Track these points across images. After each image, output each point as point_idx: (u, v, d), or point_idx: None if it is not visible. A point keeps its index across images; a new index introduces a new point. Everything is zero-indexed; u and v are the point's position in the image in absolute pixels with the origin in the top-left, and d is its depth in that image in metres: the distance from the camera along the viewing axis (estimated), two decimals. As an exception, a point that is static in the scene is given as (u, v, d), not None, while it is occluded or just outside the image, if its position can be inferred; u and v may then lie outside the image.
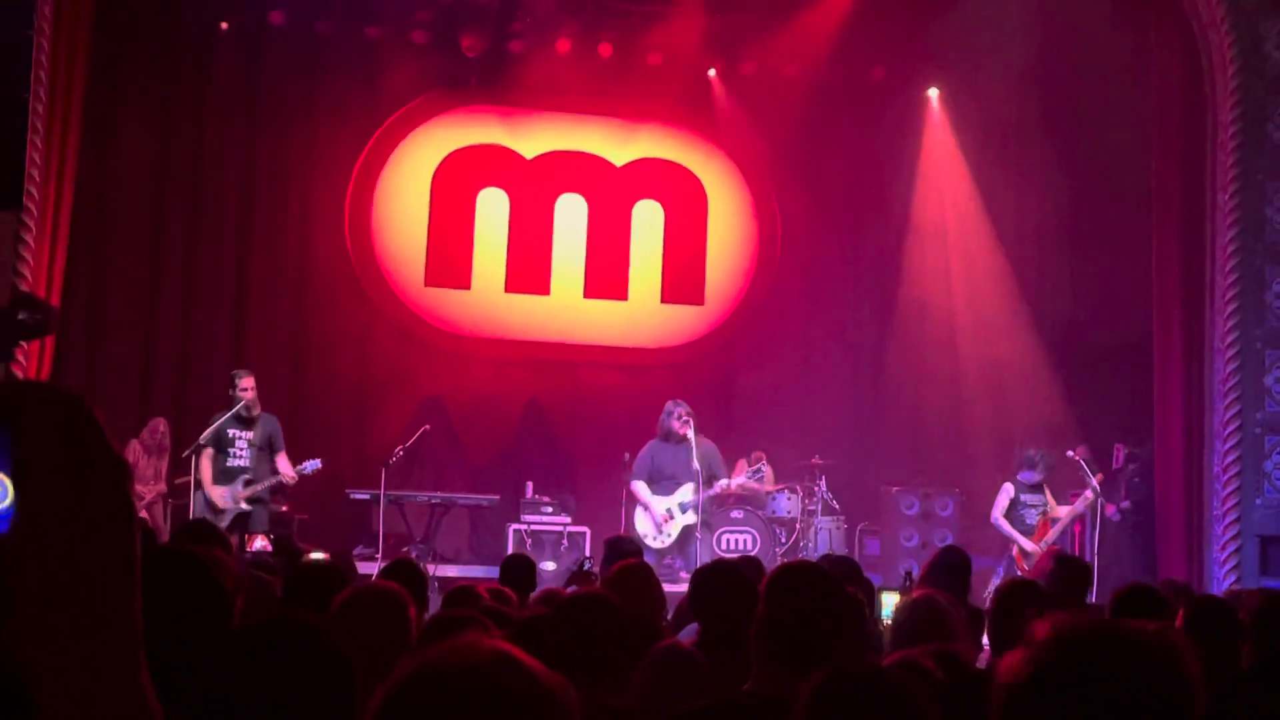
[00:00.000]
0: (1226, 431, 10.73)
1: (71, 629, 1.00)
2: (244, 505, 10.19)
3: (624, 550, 6.78)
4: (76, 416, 1.04)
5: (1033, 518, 11.22)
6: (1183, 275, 11.43)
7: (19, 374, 9.65)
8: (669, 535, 10.78)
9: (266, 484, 10.17)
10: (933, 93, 13.85)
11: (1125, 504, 11.82)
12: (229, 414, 10.18)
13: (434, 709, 1.29)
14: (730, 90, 13.95)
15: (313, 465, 10.17)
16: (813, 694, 2.31)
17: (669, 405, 10.86)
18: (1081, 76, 12.77)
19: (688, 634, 5.37)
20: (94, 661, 1.00)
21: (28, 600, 0.99)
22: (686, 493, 10.70)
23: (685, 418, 10.70)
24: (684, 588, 6.61)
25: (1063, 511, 11.24)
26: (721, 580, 4.53)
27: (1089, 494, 11.13)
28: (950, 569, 6.43)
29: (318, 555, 6.16)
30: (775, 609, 3.35)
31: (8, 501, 1.03)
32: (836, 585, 3.49)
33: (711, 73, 13.92)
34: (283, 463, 10.24)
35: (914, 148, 13.76)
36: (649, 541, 10.75)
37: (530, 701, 1.30)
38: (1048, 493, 11.31)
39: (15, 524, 1.01)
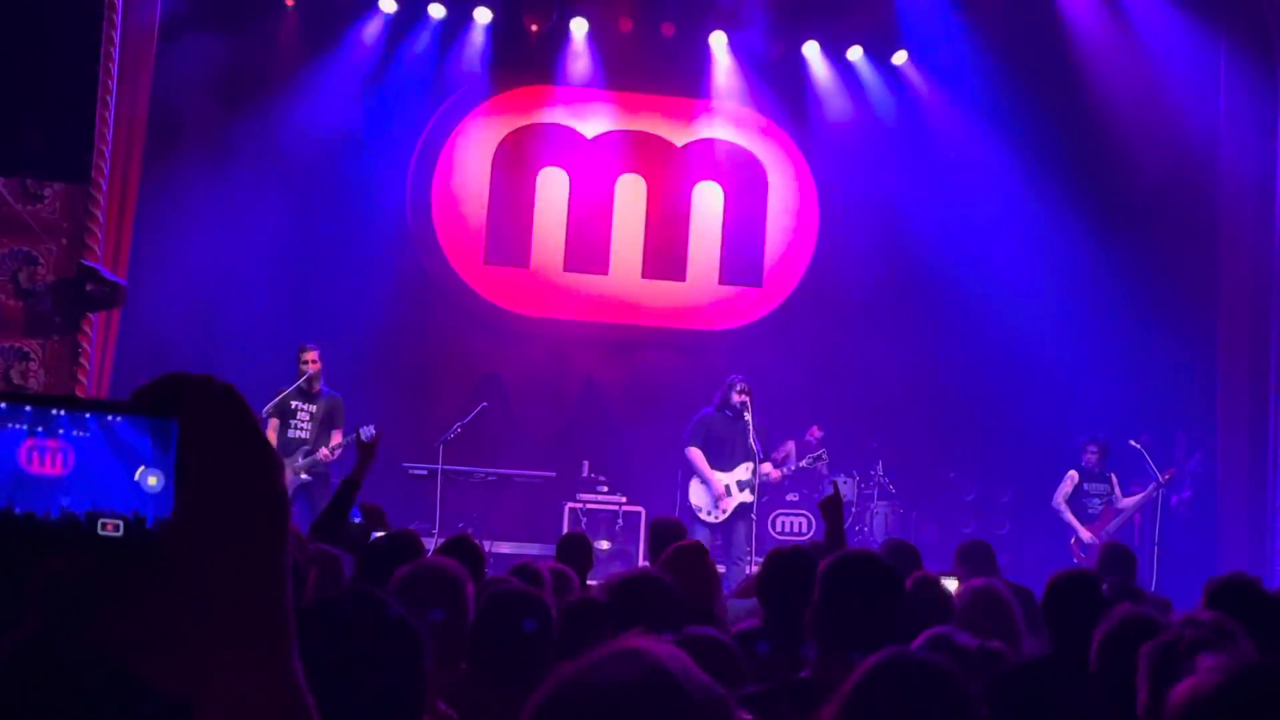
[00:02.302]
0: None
1: (227, 623, 1.01)
2: (304, 476, 10.34)
3: (670, 533, 6.78)
4: (233, 408, 1.06)
5: (1095, 507, 11.13)
6: (1251, 263, 11.29)
7: (85, 344, 9.79)
8: (725, 511, 10.76)
9: (313, 458, 10.31)
10: (991, 78, 13.71)
11: (1186, 494, 11.70)
12: (294, 386, 10.37)
13: (601, 707, 1.28)
14: (793, 71, 13.89)
15: (368, 433, 10.20)
16: (862, 678, 2.31)
17: (730, 379, 10.85)
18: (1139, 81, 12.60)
19: (738, 608, 5.37)
20: (249, 656, 1.01)
21: (183, 592, 1.01)
22: (744, 471, 10.68)
23: (744, 393, 10.67)
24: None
25: (1126, 503, 11.13)
26: (789, 566, 4.52)
27: (1152, 485, 11.02)
28: (979, 558, 6.42)
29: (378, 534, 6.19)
30: (830, 596, 3.35)
31: (160, 488, 1.05)
32: (891, 573, 3.48)
33: (775, 54, 13.86)
34: (333, 439, 10.37)
35: (976, 133, 13.62)
36: (703, 516, 10.73)
37: (696, 704, 1.29)
38: (1114, 482, 11.21)
39: (175, 513, 1.03)
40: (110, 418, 1.05)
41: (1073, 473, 11.24)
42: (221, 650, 1.00)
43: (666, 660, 1.33)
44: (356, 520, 6.97)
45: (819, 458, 11.42)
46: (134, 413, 1.05)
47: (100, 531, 1.03)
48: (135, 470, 1.04)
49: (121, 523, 1.03)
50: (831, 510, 5.93)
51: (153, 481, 1.04)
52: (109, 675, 1.01)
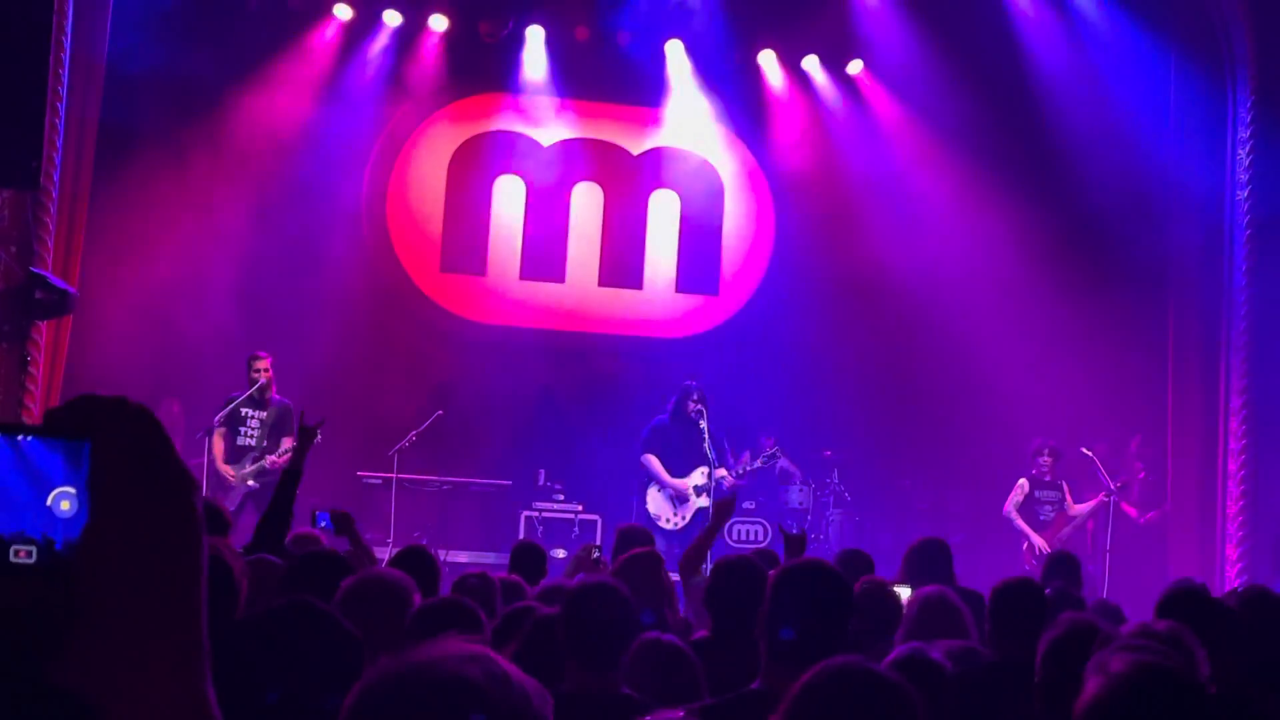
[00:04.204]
0: (1242, 430, 10.72)
1: (137, 643, 1.00)
2: (251, 483, 10.27)
3: (635, 539, 6.77)
4: (148, 430, 1.05)
5: (1047, 514, 11.21)
6: (1201, 270, 11.43)
7: (35, 352, 9.69)
8: (684, 518, 10.74)
9: (261, 464, 10.23)
10: (945, 87, 13.79)
11: (1133, 512, 11.81)
12: (244, 395, 10.32)
13: (402, 712, 1.30)
14: (749, 80, 13.92)
15: (309, 417, 10.10)
16: (803, 690, 2.30)
17: (684, 385, 10.84)
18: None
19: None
20: (158, 675, 1.01)
21: (94, 612, 1.00)
22: (700, 476, 10.67)
23: (699, 400, 10.67)
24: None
25: (1078, 508, 11.22)
26: (736, 575, 4.52)
27: (1104, 493, 11.11)
28: (932, 558, 6.42)
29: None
30: (780, 607, 3.34)
31: (73, 512, 1.03)
32: (842, 582, 3.47)
33: (731, 63, 13.88)
34: (283, 445, 10.32)
35: (931, 142, 13.70)
36: (662, 524, 10.70)
37: (499, 707, 1.31)
38: (1065, 489, 11.29)
39: (84, 536, 1.02)
40: (21, 438, 1.04)
41: (1023, 481, 11.32)
42: (132, 669, 0.99)
43: (481, 651, 1.36)
44: (325, 526, 6.89)
45: (773, 455, 11.38)
46: (45, 434, 1.04)
47: (13, 559, 1.02)
48: (48, 494, 1.03)
49: (34, 549, 1.02)
50: (794, 549, 6.10)
51: (65, 506, 1.03)
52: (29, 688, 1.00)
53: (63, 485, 1.03)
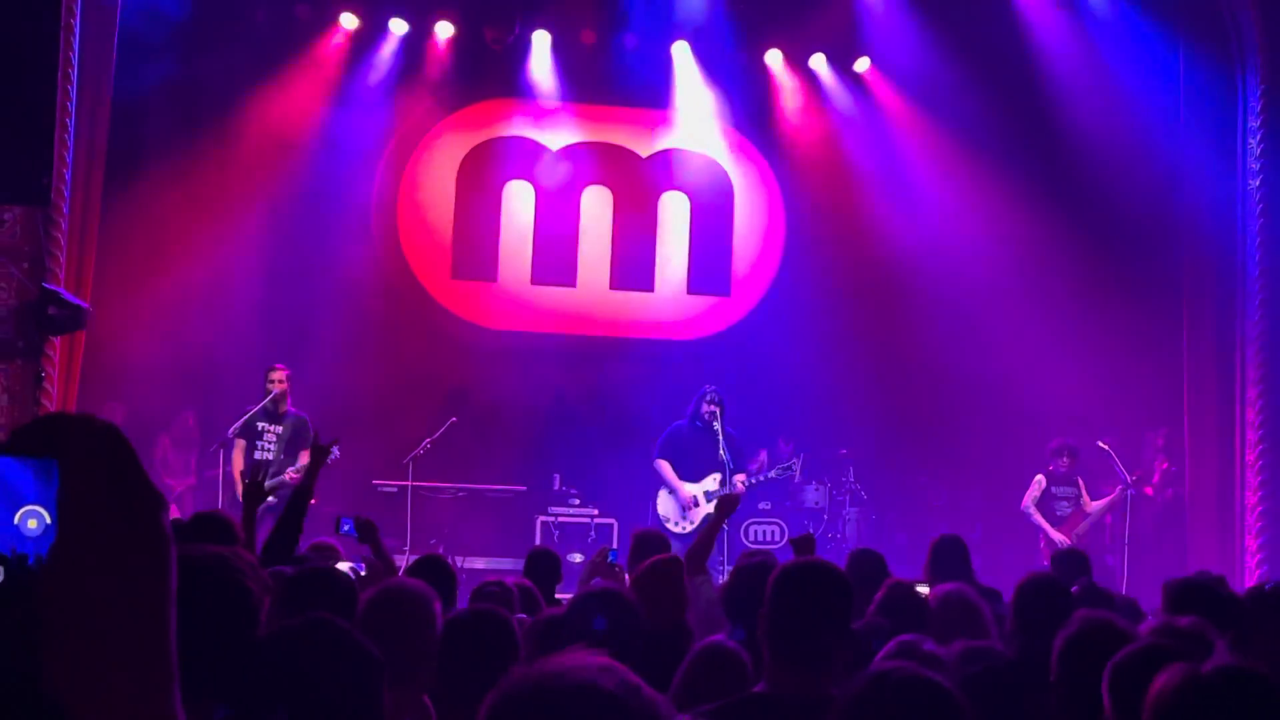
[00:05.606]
0: (1259, 421, 10.69)
1: (106, 658, 1.01)
2: (270, 499, 10.23)
3: (651, 544, 6.72)
4: (116, 449, 1.05)
5: (1064, 509, 11.18)
6: (1215, 261, 11.39)
7: (49, 367, 9.71)
8: (692, 522, 10.71)
9: (280, 479, 10.17)
10: (952, 83, 13.75)
11: (1149, 491, 11.77)
12: (259, 406, 10.28)
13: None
14: (757, 80, 13.90)
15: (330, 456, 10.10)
16: (853, 698, 2.29)
17: (702, 389, 10.80)
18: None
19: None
20: (127, 691, 1.01)
21: (63, 629, 1.00)
22: (712, 482, 10.64)
23: (713, 403, 10.62)
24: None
25: (1094, 505, 11.19)
26: (755, 578, 4.50)
27: (1121, 486, 11.08)
28: (951, 555, 6.40)
29: (345, 565, 6.05)
30: (780, 607, 3.29)
31: (40, 530, 1.04)
32: (843, 581, 3.41)
33: (738, 63, 13.87)
34: (300, 460, 10.26)
35: (939, 139, 13.65)
36: (670, 526, 10.67)
37: (635, 717, 1.31)
38: (1081, 484, 11.26)
39: (53, 553, 1.02)
40: None
41: (1040, 477, 11.30)
42: (98, 687, 1.00)
43: (610, 669, 1.36)
44: (348, 532, 6.87)
45: (789, 468, 11.33)
46: (14, 453, 1.04)
47: None
48: (15, 513, 1.03)
49: (1, 567, 1.02)
50: (803, 550, 6.07)
51: (32, 525, 1.03)
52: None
53: (31, 504, 1.03)
